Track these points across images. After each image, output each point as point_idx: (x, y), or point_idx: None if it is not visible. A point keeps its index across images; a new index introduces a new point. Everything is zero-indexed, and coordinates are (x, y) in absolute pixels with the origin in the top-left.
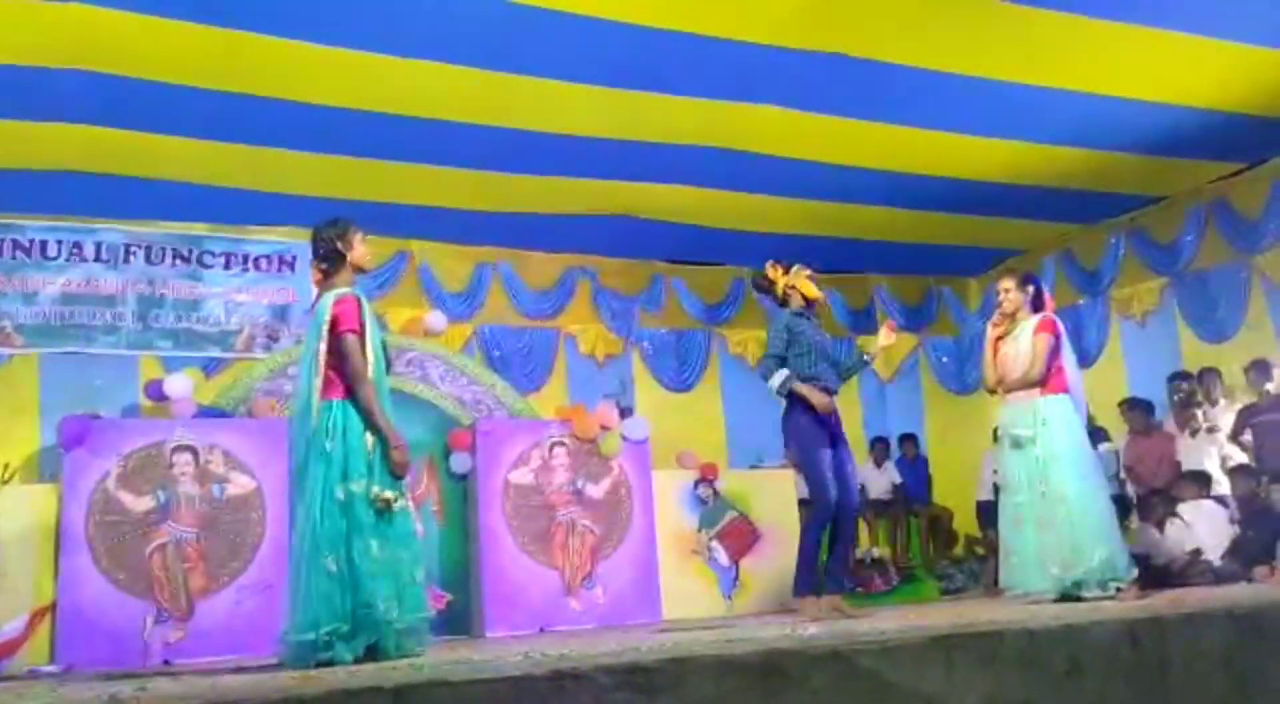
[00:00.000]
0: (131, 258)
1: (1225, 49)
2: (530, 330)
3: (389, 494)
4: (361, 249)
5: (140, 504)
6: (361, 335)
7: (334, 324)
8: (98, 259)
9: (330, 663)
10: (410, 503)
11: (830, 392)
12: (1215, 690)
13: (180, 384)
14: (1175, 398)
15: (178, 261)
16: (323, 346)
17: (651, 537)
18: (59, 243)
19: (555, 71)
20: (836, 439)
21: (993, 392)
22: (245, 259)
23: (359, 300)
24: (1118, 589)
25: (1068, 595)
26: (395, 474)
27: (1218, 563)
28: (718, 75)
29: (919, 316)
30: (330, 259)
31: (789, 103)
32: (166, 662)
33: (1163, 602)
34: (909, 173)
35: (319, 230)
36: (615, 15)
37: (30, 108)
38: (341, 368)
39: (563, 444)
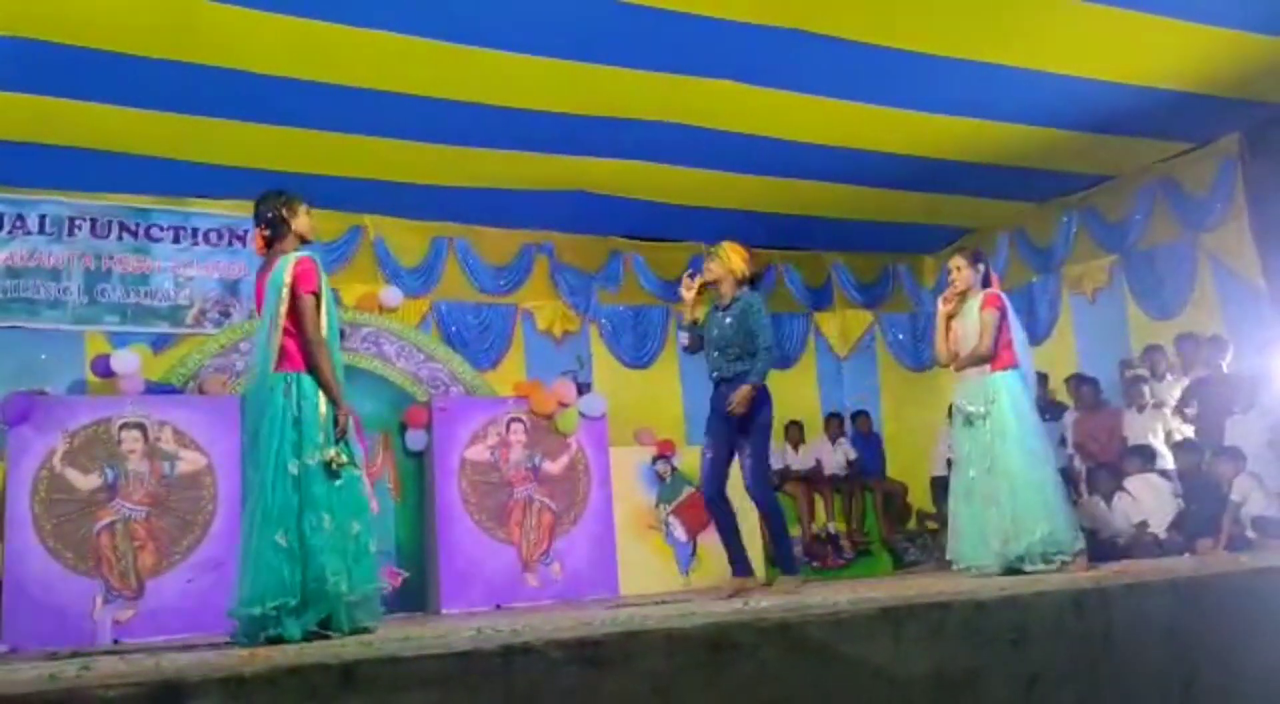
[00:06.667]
0: (76, 230)
1: (1174, 28)
2: (487, 306)
3: (335, 453)
4: (305, 219)
5: (88, 482)
6: (319, 298)
7: (294, 286)
8: (41, 231)
9: (279, 638)
10: (365, 476)
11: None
12: (1157, 658)
13: (128, 360)
14: (1125, 374)
15: (124, 234)
16: (284, 309)
17: (609, 513)
18: (0, 215)
19: (512, 44)
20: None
21: (945, 366)
22: (194, 232)
23: (316, 264)
24: (1062, 562)
25: (1011, 569)
26: (337, 435)
27: (1163, 536)
28: (675, 50)
29: (875, 293)
30: (274, 226)
31: (747, 78)
32: (116, 641)
33: (1107, 573)
34: (866, 150)
35: (263, 197)
36: None
37: None
38: (297, 333)
39: (520, 421)
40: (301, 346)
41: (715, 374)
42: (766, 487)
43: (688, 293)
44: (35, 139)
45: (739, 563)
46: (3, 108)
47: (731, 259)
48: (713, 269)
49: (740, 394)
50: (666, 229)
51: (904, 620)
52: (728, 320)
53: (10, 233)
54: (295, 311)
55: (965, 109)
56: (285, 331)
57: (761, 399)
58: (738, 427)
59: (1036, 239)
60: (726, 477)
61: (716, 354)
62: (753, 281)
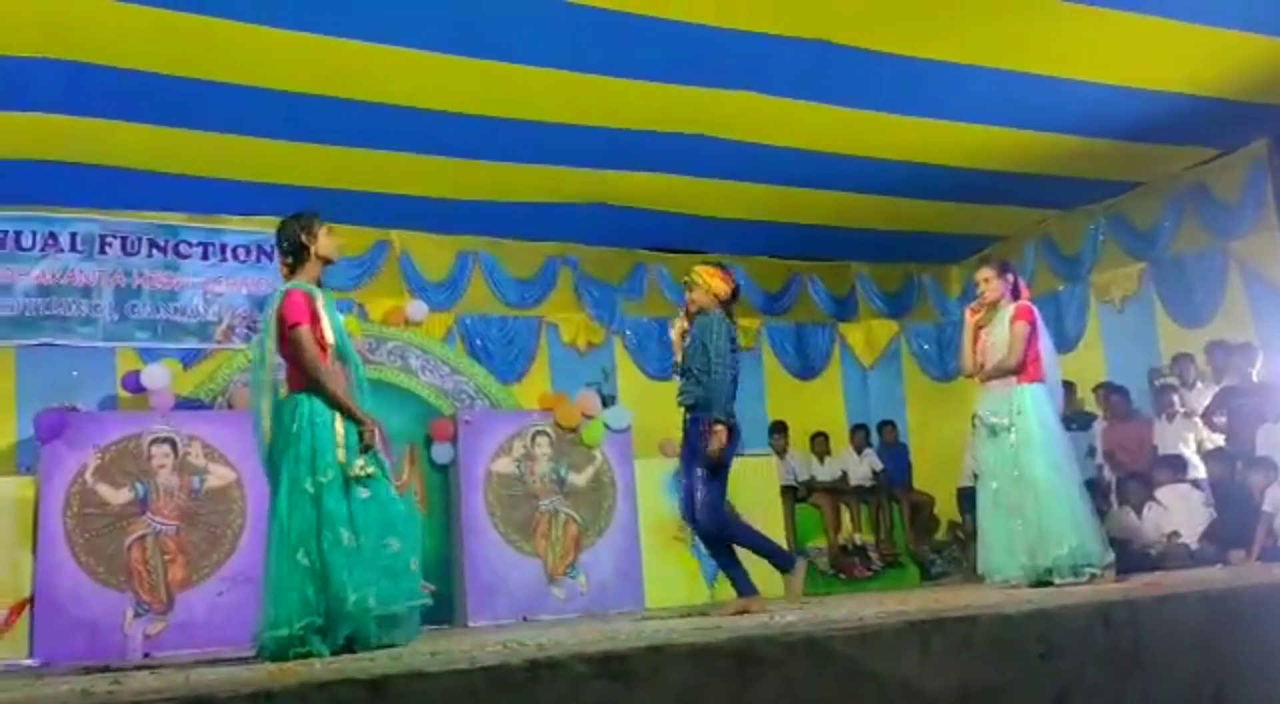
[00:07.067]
0: (107, 248)
1: (1200, 33)
2: (512, 319)
3: (361, 464)
4: (326, 241)
5: (119, 496)
6: (314, 325)
7: (280, 321)
8: (73, 250)
9: (307, 657)
10: (398, 490)
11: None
12: (1188, 672)
13: (158, 375)
14: (1155, 382)
15: (154, 252)
16: (271, 344)
17: (634, 525)
18: (33, 234)
19: (534, 58)
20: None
21: (970, 377)
22: (223, 249)
23: (306, 293)
24: (1092, 575)
25: (1041, 582)
26: (363, 449)
27: (1195, 546)
28: (697, 62)
29: (900, 303)
30: (295, 253)
31: (769, 89)
32: (147, 655)
33: (1137, 585)
34: (889, 159)
35: (283, 225)
36: (594, 1)
37: (0, 98)
38: (296, 362)
39: (545, 433)
40: (304, 373)
41: (678, 399)
42: (718, 516)
43: (676, 335)
44: (66, 158)
45: (741, 585)
46: (35, 128)
47: (711, 283)
48: (696, 298)
49: (712, 441)
50: (690, 240)
51: (931, 634)
52: (688, 341)
53: (42, 251)
54: (290, 343)
55: (989, 117)
56: (291, 359)
57: (715, 424)
58: (694, 455)
59: (1063, 247)
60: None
61: (681, 379)
62: (733, 298)
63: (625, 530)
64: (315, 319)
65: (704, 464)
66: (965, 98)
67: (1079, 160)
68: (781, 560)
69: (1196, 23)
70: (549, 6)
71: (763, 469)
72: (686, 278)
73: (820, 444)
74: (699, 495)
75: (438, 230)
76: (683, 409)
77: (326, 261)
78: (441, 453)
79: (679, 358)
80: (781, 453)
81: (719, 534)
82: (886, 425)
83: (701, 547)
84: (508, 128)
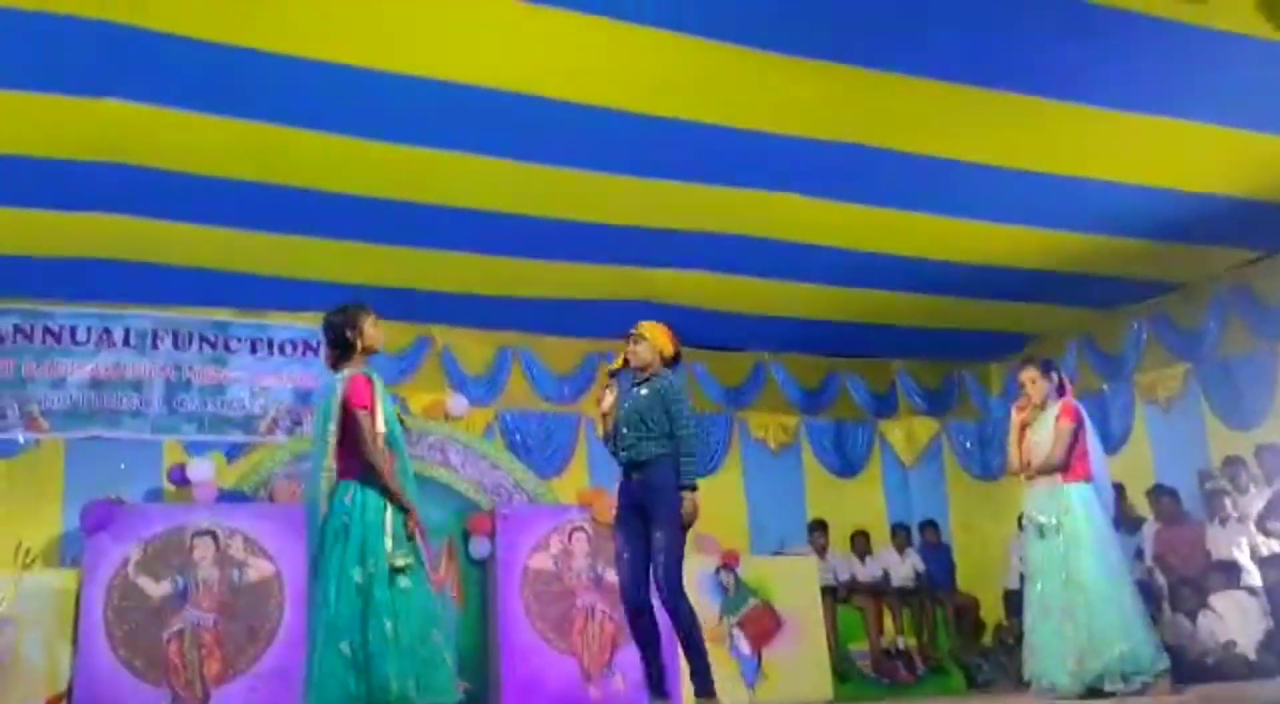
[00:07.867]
0: (159, 343)
1: (1239, 137)
2: (551, 414)
3: (402, 556)
4: (372, 333)
5: (159, 590)
6: (372, 411)
7: (345, 403)
8: (126, 344)
9: None
10: (433, 583)
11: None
12: None
13: (202, 469)
14: (1205, 485)
15: (204, 346)
16: (333, 427)
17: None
18: (88, 328)
19: (579, 161)
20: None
21: (1015, 475)
22: (270, 344)
23: (368, 378)
24: (1144, 683)
25: (1092, 689)
26: (406, 537)
27: (1253, 657)
28: (738, 164)
29: (941, 401)
30: (341, 345)
31: (809, 190)
32: None
33: (1192, 697)
34: (929, 258)
35: (329, 317)
36: (635, 107)
37: (63, 198)
38: (355, 446)
39: (582, 529)
40: (360, 458)
41: (624, 454)
42: (679, 589)
43: (608, 406)
44: (122, 256)
45: (660, 684)
46: (95, 228)
47: (659, 339)
48: (641, 353)
49: (689, 510)
50: (729, 337)
51: None
52: (643, 392)
53: (96, 346)
54: (351, 426)
55: (1029, 219)
56: (344, 445)
57: (677, 485)
58: (650, 515)
59: (1106, 346)
60: (649, 581)
61: (626, 431)
62: (675, 360)
63: (662, 630)
64: (374, 406)
65: (663, 526)
66: (1005, 199)
67: (1119, 260)
68: (704, 682)
69: (1235, 127)
70: (593, 112)
71: (803, 569)
72: (632, 331)
73: (861, 543)
74: (660, 561)
75: (478, 326)
76: (628, 466)
77: (371, 352)
78: (479, 548)
79: (604, 429)
80: (822, 552)
81: (675, 612)
82: (928, 525)
83: (743, 646)
84: (549, 227)
